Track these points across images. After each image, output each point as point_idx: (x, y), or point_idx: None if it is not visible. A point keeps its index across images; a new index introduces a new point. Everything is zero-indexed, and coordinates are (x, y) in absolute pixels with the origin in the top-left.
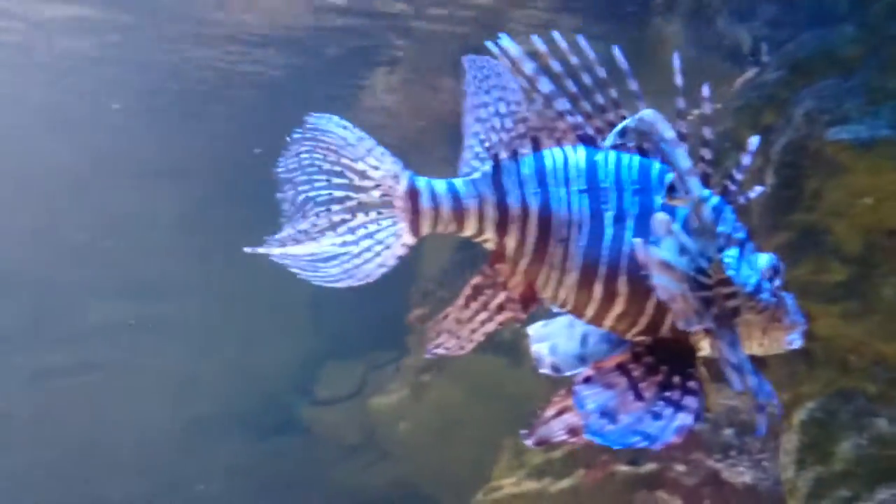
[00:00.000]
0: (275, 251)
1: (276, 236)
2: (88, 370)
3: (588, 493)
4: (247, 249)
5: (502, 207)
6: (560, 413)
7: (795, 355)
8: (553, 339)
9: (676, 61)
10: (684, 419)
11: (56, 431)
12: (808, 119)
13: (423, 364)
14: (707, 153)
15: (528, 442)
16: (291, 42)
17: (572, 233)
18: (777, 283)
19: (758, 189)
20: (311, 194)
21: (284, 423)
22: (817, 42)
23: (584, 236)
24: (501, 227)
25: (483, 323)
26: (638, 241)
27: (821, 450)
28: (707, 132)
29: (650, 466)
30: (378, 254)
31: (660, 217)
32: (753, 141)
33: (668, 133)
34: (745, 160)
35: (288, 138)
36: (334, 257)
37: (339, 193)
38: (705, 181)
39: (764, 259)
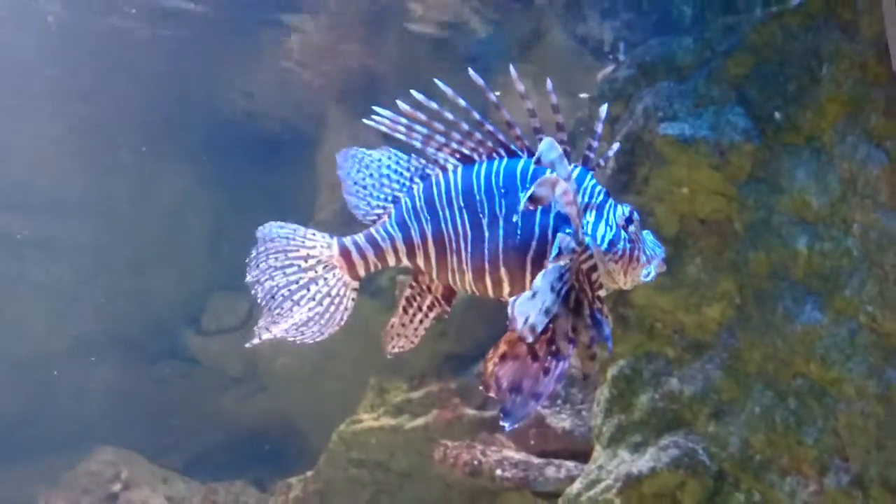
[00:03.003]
0: (266, 336)
1: (259, 324)
2: None
3: (438, 431)
4: (248, 345)
5: (407, 240)
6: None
7: (615, 319)
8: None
9: (513, 72)
10: (562, 365)
11: None
12: (645, 114)
13: None
14: (563, 136)
15: (490, 394)
16: None
17: (460, 243)
18: (633, 228)
19: (614, 147)
20: (275, 287)
21: (169, 350)
22: (661, 48)
23: (470, 243)
24: (411, 254)
25: (421, 321)
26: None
27: (624, 401)
28: (559, 118)
29: (493, 412)
30: (339, 304)
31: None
32: (603, 109)
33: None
34: (598, 128)
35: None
36: (311, 319)
37: (293, 277)
38: (567, 157)
39: (620, 211)
